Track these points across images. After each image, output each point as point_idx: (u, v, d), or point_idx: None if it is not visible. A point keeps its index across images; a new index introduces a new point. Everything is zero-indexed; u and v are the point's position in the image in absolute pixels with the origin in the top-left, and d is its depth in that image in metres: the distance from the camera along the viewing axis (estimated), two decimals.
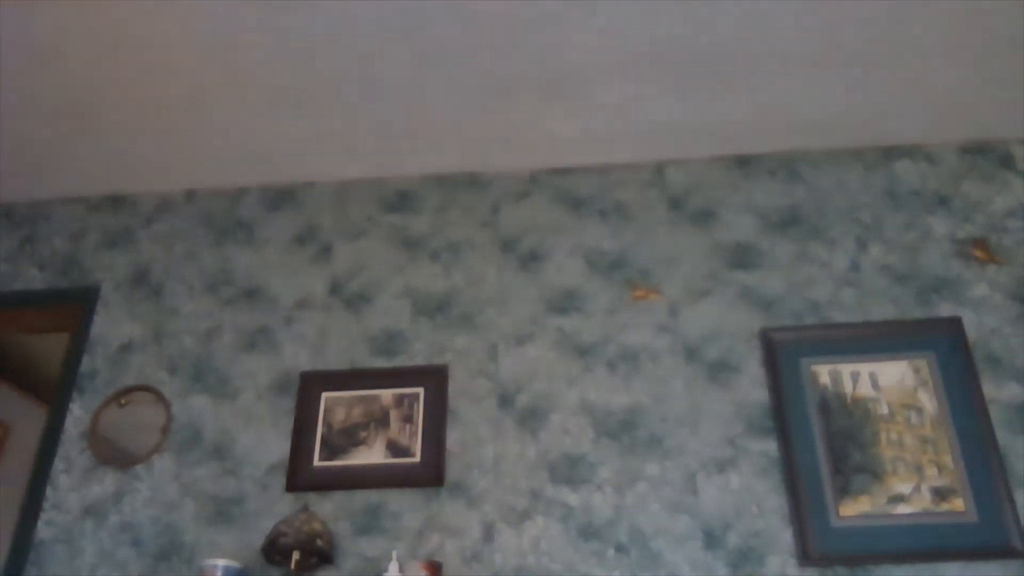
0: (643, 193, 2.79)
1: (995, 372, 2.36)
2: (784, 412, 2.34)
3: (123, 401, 2.61)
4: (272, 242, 2.86)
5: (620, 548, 2.23)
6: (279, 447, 2.46)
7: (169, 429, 2.53)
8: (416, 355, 2.57)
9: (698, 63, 2.46)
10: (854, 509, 2.21)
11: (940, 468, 2.24)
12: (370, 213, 2.88)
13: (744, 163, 2.82)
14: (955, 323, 2.43)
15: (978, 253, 2.55)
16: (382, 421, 2.46)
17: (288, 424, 2.49)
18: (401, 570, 2.12)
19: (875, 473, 2.25)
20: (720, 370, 2.45)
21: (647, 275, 2.63)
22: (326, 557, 2.21)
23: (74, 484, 2.49)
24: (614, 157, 2.84)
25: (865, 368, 2.39)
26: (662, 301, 2.58)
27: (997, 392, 2.34)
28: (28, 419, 3.62)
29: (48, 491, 2.48)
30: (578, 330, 2.55)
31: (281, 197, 2.95)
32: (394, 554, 2.17)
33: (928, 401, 2.33)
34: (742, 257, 2.64)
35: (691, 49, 2.41)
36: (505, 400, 2.47)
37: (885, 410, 2.33)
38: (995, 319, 2.45)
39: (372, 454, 2.42)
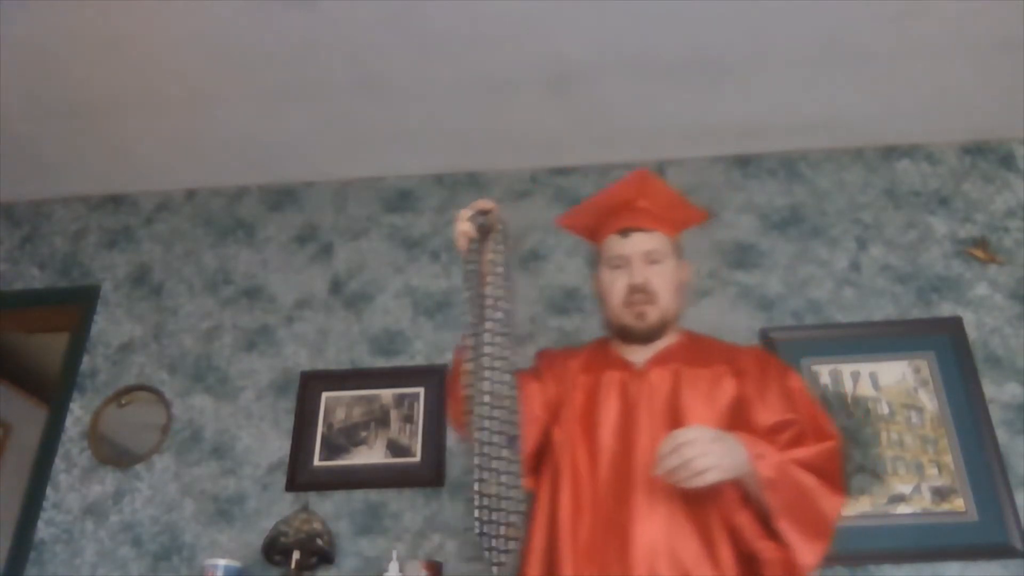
0: None
1: (995, 372, 2.36)
2: None
3: (123, 401, 2.61)
4: (272, 242, 2.86)
5: None
6: (279, 447, 2.46)
7: (169, 429, 2.53)
8: (416, 355, 2.57)
9: (698, 63, 2.46)
10: (854, 509, 2.21)
11: (940, 468, 2.24)
12: (370, 213, 2.87)
13: (744, 163, 2.82)
14: (955, 323, 2.43)
15: (978, 253, 2.55)
16: (382, 421, 2.46)
17: (288, 424, 2.49)
18: (401, 570, 2.12)
19: (875, 473, 2.25)
20: None
21: None
22: (326, 557, 2.21)
23: (74, 484, 2.49)
24: (614, 157, 2.83)
25: (865, 368, 2.39)
26: None
27: (997, 392, 2.33)
28: (28, 419, 3.62)
29: (48, 491, 2.48)
30: (578, 330, 2.55)
31: (281, 197, 2.95)
32: (394, 554, 2.17)
33: (928, 401, 2.33)
34: (742, 257, 2.64)
35: (691, 49, 2.41)
36: None
37: (885, 410, 2.33)
38: (995, 319, 2.45)
39: (372, 454, 2.42)
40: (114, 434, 2.56)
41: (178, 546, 2.35)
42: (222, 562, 2.16)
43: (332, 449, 2.44)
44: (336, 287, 2.74)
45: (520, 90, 2.56)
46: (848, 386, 2.37)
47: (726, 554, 1.37)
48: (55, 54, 2.42)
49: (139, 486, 2.46)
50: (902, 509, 2.20)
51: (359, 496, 2.37)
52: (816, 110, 2.65)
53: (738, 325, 2.51)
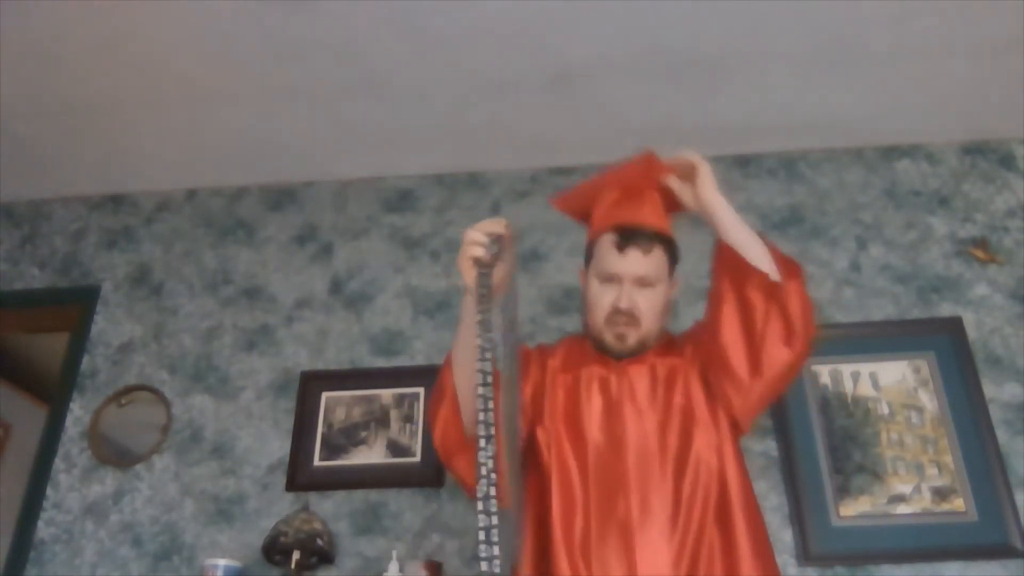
0: None
1: (995, 372, 2.36)
2: (784, 412, 2.34)
3: (123, 401, 2.61)
4: (272, 242, 2.86)
5: None
6: (279, 447, 2.46)
7: (169, 429, 2.53)
8: (416, 355, 2.57)
9: (698, 63, 2.46)
10: (854, 509, 2.21)
11: (940, 468, 2.24)
12: (370, 213, 2.87)
13: (744, 163, 2.82)
14: (955, 323, 2.43)
15: (978, 253, 2.55)
16: (382, 421, 2.46)
17: (288, 424, 2.49)
18: (401, 570, 2.12)
19: (875, 473, 2.25)
20: None
21: None
22: (326, 557, 2.21)
23: (74, 484, 2.49)
24: (614, 157, 2.82)
25: (865, 368, 2.39)
26: None
27: (997, 392, 2.34)
28: (28, 419, 3.62)
29: (48, 491, 2.48)
30: (578, 330, 2.55)
31: (281, 197, 2.95)
32: (394, 554, 2.17)
33: (928, 401, 2.33)
34: None
35: (691, 49, 2.41)
36: None
37: (885, 410, 2.33)
38: (995, 319, 2.45)
39: (372, 454, 2.42)
40: (114, 434, 2.56)
41: (178, 546, 2.35)
42: (222, 562, 2.17)
43: (332, 449, 2.44)
44: (336, 287, 2.74)
45: (520, 90, 2.56)
46: (848, 386, 2.37)
47: (745, 543, 1.39)
48: (55, 54, 2.42)
49: (139, 486, 2.46)
50: (902, 509, 2.20)
51: (359, 496, 2.37)
52: (816, 110, 2.65)
53: None
